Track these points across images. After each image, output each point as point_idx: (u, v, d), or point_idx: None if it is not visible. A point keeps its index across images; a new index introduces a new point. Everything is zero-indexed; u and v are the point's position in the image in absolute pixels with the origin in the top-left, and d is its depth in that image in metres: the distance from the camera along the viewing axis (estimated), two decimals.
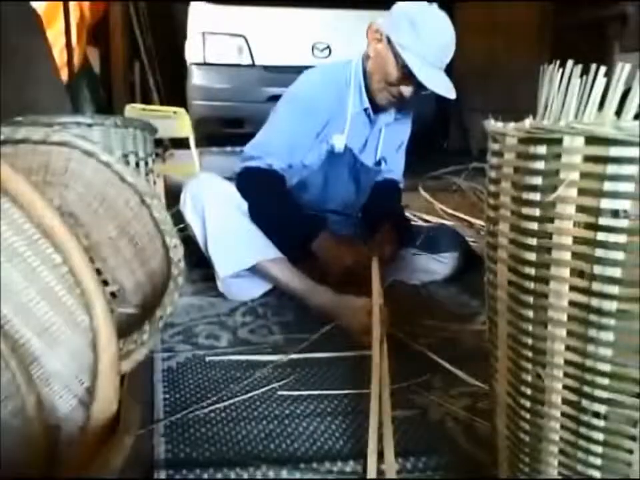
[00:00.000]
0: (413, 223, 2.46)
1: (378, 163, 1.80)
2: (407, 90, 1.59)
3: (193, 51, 4.22)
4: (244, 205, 1.56)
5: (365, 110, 1.69)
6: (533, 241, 0.57)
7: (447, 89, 1.54)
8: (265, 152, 1.59)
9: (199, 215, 1.53)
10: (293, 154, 1.63)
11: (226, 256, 1.51)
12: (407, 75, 1.53)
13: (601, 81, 0.57)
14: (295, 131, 1.62)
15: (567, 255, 0.55)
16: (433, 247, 1.75)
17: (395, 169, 1.89)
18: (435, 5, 1.55)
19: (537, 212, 0.56)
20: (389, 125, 1.78)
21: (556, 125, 0.53)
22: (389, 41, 1.56)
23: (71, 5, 3.91)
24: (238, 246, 1.51)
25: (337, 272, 1.51)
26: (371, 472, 0.86)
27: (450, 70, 1.57)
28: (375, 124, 1.74)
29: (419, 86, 1.55)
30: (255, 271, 1.54)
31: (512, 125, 0.59)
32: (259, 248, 1.52)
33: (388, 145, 1.81)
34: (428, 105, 4.11)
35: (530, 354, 0.61)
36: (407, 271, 1.75)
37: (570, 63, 0.60)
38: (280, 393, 1.12)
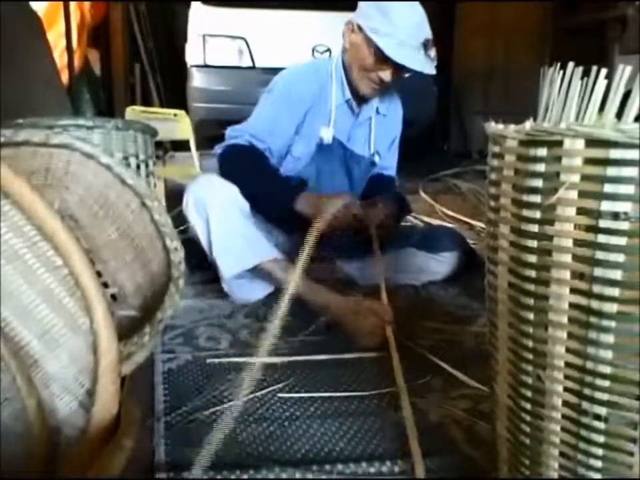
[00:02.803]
0: (412, 224, 2.47)
1: (373, 155, 1.82)
2: (385, 74, 1.60)
3: (193, 53, 4.23)
4: (246, 205, 1.57)
5: (347, 101, 1.72)
6: (534, 243, 0.57)
7: (424, 66, 1.54)
8: (245, 132, 1.64)
9: (202, 217, 1.53)
10: (272, 138, 1.67)
11: (229, 257, 1.51)
12: (383, 59, 1.55)
13: (601, 83, 0.57)
14: (274, 116, 1.67)
15: (568, 257, 0.55)
16: (432, 246, 1.75)
17: (388, 165, 1.91)
18: None
19: (537, 214, 0.56)
20: (379, 120, 1.80)
21: (556, 127, 0.53)
22: (360, 29, 1.59)
23: (72, 6, 3.91)
24: (240, 247, 1.51)
25: (324, 224, 1.49)
26: (419, 472, 0.87)
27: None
28: (359, 116, 1.77)
29: (397, 68, 1.57)
30: (258, 271, 1.54)
31: (512, 127, 0.59)
32: (260, 248, 1.52)
33: (380, 141, 1.83)
34: (428, 107, 4.12)
35: (530, 356, 0.61)
36: (407, 270, 1.75)
37: (570, 65, 0.60)
38: (280, 395, 1.12)
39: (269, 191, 1.60)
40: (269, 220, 1.66)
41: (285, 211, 1.57)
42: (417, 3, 1.56)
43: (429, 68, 1.55)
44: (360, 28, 1.58)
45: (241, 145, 1.63)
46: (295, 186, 1.63)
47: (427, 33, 1.56)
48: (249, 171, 1.61)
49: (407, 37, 1.52)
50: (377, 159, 1.83)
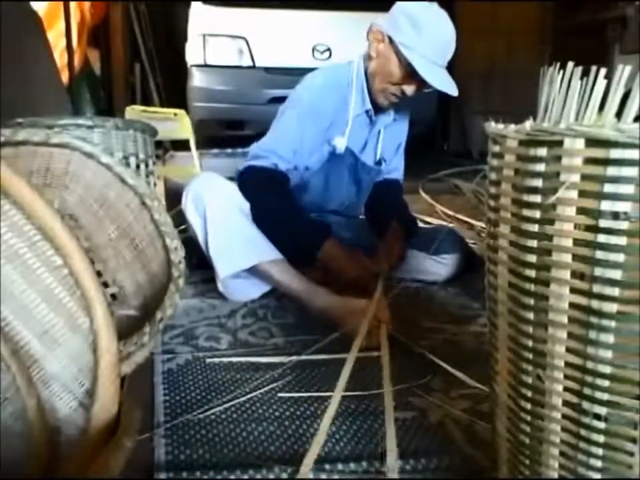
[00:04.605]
0: None
1: (378, 163, 1.82)
2: (409, 89, 1.60)
3: (193, 53, 4.23)
4: (245, 205, 1.56)
5: (367, 112, 1.70)
6: (534, 243, 0.57)
7: (450, 87, 1.56)
8: (271, 153, 1.59)
9: (200, 215, 1.53)
10: (299, 157, 1.64)
11: (226, 256, 1.51)
12: (410, 74, 1.55)
13: (601, 83, 0.57)
14: (301, 135, 1.63)
15: (568, 257, 0.55)
16: (433, 248, 1.75)
17: (395, 168, 1.91)
18: (435, 4, 1.56)
19: (537, 214, 0.56)
20: (387, 125, 1.79)
21: (556, 127, 0.53)
22: (390, 40, 1.57)
23: (72, 6, 3.91)
24: (238, 246, 1.51)
25: (341, 283, 1.51)
26: (393, 471, 0.86)
27: (451, 72, 1.58)
28: (375, 125, 1.76)
29: (421, 84, 1.57)
30: (255, 271, 1.54)
31: (512, 127, 0.59)
32: (259, 249, 1.52)
33: (387, 146, 1.83)
34: (429, 107, 4.12)
35: (530, 356, 0.60)
36: (407, 272, 1.76)
37: (570, 65, 0.60)
38: (280, 394, 1.12)
39: (290, 231, 1.56)
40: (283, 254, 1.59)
41: (301, 256, 1.56)
42: (449, 20, 1.55)
43: (453, 89, 1.56)
44: (390, 40, 1.57)
45: (266, 168, 1.58)
46: (319, 232, 1.57)
47: (452, 52, 1.57)
48: (273, 203, 1.57)
49: (435, 55, 1.52)
50: (382, 165, 1.83)
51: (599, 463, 0.57)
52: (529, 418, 0.63)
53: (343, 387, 1.03)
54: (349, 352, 1.18)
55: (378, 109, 1.71)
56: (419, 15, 1.52)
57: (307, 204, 1.71)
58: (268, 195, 1.58)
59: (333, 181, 1.75)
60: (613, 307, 0.52)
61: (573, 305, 0.55)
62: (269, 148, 1.60)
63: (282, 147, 1.60)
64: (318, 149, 1.68)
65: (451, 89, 1.55)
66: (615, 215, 0.51)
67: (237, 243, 1.51)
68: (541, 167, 0.56)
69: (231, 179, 1.66)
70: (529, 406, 0.62)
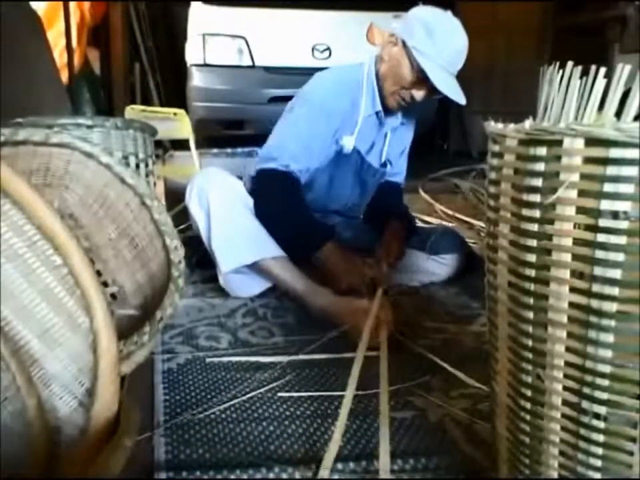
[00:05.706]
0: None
1: (383, 165, 1.82)
2: (418, 94, 1.61)
3: (193, 53, 4.23)
4: (249, 200, 1.56)
5: (377, 113, 1.70)
6: (533, 243, 0.57)
7: (459, 95, 1.57)
8: (282, 154, 1.58)
9: (203, 209, 1.53)
10: (310, 157, 1.63)
11: (229, 251, 1.51)
12: (421, 79, 1.55)
13: (600, 82, 0.57)
14: (311, 134, 1.62)
15: (567, 257, 0.55)
16: (432, 248, 1.76)
17: (398, 172, 1.91)
18: (449, 12, 1.57)
19: (537, 213, 0.56)
20: (395, 128, 1.79)
21: (556, 126, 0.53)
22: (404, 45, 1.57)
23: (72, 6, 3.91)
24: (241, 242, 1.51)
25: (340, 287, 1.51)
26: (384, 471, 0.86)
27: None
28: (384, 127, 1.76)
29: (431, 90, 1.57)
30: (257, 268, 1.54)
31: (512, 126, 0.59)
32: (262, 245, 1.52)
33: (393, 148, 1.83)
34: (429, 107, 4.12)
35: (530, 355, 0.61)
36: (407, 272, 1.76)
37: (570, 64, 0.60)
38: (280, 394, 1.12)
39: (295, 231, 1.56)
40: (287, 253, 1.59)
41: (304, 258, 1.56)
42: (462, 29, 1.57)
43: (462, 97, 1.57)
44: (404, 44, 1.57)
45: (278, 171, 1.57)
46: (322, 233, 1.58)
47: (463, 61, 1.58)
48: (281, 207, 1.57)
49: (447, 63, 1.53)
50: (388, 167, 1.84)
51: (598, 462, 0.57)
52: (528, 417, 0.63)
53: (354, 388, 1.03)
54: (352, 352, 1.18)
55: (387, 111, 1.71)
56: (434, 23, 1.53)
57: (309, 202, 1.71)
58: (277, 199, 1.58)
59: (338, 181, 1.75)
60: (612, 307, 0.52)
61: (572, 305, 0.55)
62: (280, 150, 1.60)
63: (292, 146, 1.60)
64: (327, 149, 1.68)
65: (460, 98, 1.57)
66: (615, 215, 0.51)
67: (240, 239, 1.51)
68: (540, 167, 0.56)
69: None
70: (528, 405, 0.62)
